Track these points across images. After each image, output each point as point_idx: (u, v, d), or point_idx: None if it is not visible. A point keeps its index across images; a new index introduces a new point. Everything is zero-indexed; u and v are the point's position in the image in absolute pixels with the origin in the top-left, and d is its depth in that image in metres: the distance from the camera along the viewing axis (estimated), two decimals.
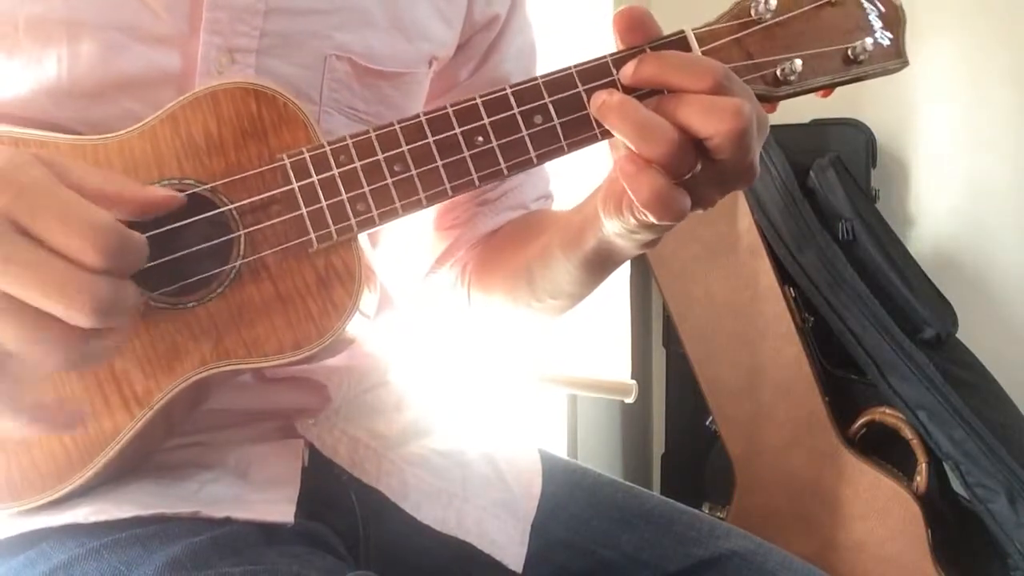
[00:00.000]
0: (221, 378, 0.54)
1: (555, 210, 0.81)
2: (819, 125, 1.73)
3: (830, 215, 1.59)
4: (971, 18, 1.73)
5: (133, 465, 0.57)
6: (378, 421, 0.70)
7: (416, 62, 0.69)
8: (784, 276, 1.62)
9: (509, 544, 0.67)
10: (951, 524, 1.58)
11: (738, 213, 1.64)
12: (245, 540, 0.54)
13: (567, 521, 0.71)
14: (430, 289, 0.81)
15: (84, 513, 0.52)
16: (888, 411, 1.57)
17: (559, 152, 0.53)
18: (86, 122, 0.55)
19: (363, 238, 0.57)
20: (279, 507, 0.57)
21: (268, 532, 0.56)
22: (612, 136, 0.51)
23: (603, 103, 0.50)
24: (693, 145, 0.49)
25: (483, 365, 1.22)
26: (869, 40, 0.53)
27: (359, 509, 0.66)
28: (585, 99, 0.52)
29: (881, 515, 1.56)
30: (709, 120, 0.48)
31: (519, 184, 0.78)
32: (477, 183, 0.53)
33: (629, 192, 0.49)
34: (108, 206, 0.45)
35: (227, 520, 0.55)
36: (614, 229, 0.55)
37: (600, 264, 0.63)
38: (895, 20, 0.55)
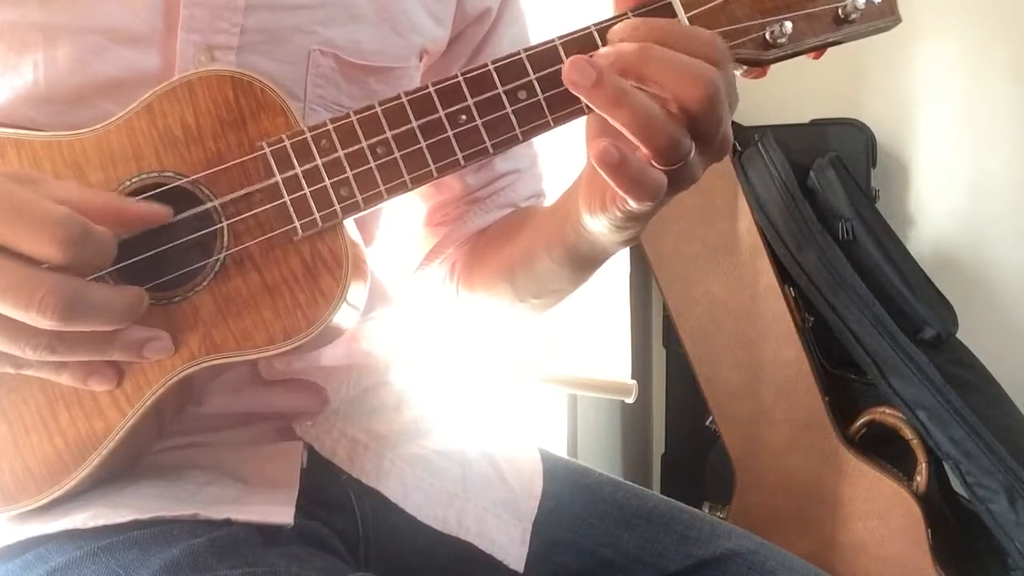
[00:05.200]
0: (212, 372, 0.53)
1: (540, 207, 0.79)
2: (819, 125, 1.73)
3: (830, 215, 1.59)
4: (971, 17, 1.72)
5: (125, 466, 0.57)
6: (377, 421, 0.70)
7: (406, 56, 0.67)
8: (784, 276, 1.62)
9: (510, 544, 0.66)
10: (951, 524, 1.58)
11: (738, 213, 1.63)
12: (244, 542, 0.54)
13: (568, 521, 0.70)
14: (420, 284, 0.81)
15: (82, 518, 0.52)
16: (888, 411, 1.57)
17: (545, 127, 0.52)
18: (65, 126, 0.54)
19: (358, 237, 0.56)
20: (279, 509, 0.57)
21: (267, 533, 0.56)
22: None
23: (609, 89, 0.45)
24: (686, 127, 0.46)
25: (483, 365, 1.22)
26: None
27: (359, 509, 0.66)
28: None
29: (881, 515, 1.55)
30: (684, 86, 0.45)
31: (511, 183, 0.77)
32: (463, 163, 0.52)
33: (610, 181, 0.47)
34: (97, 220, 0.45)
35: (227, 522, 0.54)
36: (600, 227, 0.54)
37: (584, 261, 0.62)
38: None
